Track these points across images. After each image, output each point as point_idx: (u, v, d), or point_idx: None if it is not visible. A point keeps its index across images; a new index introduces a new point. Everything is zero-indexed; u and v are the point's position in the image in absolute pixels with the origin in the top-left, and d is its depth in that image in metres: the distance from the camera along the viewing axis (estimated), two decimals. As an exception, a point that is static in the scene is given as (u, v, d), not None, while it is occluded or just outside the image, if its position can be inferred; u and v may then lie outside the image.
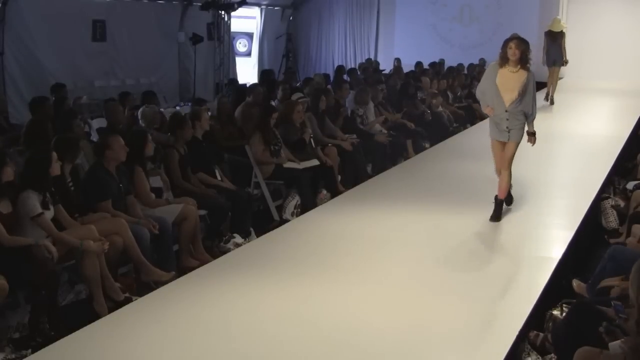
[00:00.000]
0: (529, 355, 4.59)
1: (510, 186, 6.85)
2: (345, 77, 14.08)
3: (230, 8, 15.55)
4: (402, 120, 11.30)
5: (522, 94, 6.44)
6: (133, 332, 4.49)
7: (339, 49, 19.96)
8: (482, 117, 10.89)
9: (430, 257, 5.83)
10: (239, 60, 17.74)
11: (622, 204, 7.63)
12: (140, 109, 8.18)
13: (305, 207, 7.79)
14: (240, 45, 19.03)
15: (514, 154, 6.62)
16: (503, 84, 6.47)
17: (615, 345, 3.81)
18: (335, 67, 16.62)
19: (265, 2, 18.19)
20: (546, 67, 14.11)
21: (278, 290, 5.10)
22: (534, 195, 7.54)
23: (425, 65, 15.64)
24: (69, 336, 4.40)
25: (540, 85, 14.69)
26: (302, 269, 5.53)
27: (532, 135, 6.63)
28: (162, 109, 9.57)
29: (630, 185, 7.94)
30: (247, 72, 17.99)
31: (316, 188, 8.43)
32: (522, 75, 6.43)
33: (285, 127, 8.54)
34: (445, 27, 19.07)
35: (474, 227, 6.60)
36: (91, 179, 6.07)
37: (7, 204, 5.18)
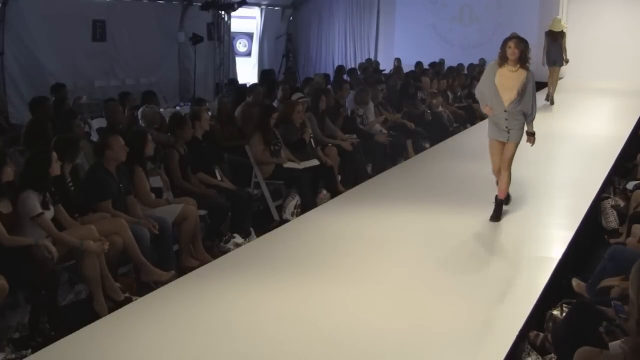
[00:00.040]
0: (529, 355, 4.59)
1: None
2: (345, 77, 14.09)
3: (230, 8, 15.55)
4: (402, 120, 11.30)
5: (521, 93, 6.41)
6: (133, 332, 4.49)
7: (339, 49, 19.97)
8: (482, 117, 10.88)
9: (430, 257, 5.83)
10: (239, 60, 17.74)
11: (622, 204, 7.63)
12: (140, 109, 8.18)
13: (305, 207, 7.79)
14: (240, 45, 19.03)
15: (514, 154, 6.60)
16: (502, 84, 6.44)
17: (615, 345, 3.81)
18: (335, 67, 16.63)
19: (265, 2, 18.19)
20: (546, 67, 14.10)
21: (278, 290, 5.10)
22: (534, 195, 7.54)
23: (425, 65, 15.65)
24: (69, 336, 4.40)
25: (540, 85, 14.73)
26: (302, 269, 5.53)
27: (531, 136, 6.59)
28: (161, 109, 9.58)
29: (630, 185, 7.94)
30: (247, 72, 17.99)
31: (316, 188, 8.43)
32: (521, 74, 6.40)
33: (285, 127, 8.54)
34: (445, 27, 19.07)
35: (474, 227, 6.60)
36: (91, 179, 6.07)
37: (7, 203, 5.18)
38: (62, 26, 12.27)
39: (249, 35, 18.83)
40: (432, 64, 15.92)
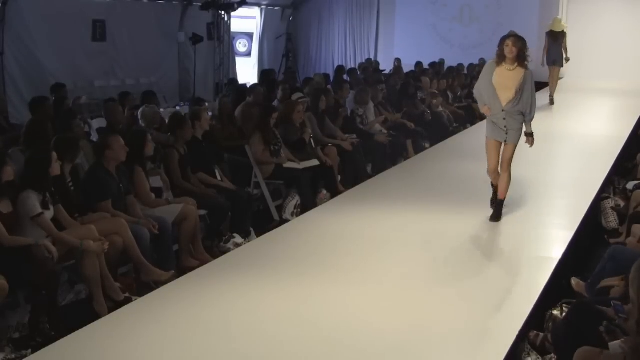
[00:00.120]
0: (529, 355, 4.59)
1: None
2: (345, 77, 14.09)
3: (230, 8, 15.54)
4: (402, 120, 11.30)
5: (520, 92, 6.35)
6: (133, 332, 4.49)
7: (339, 49, 19.96)
8: (482, 117, 10.85)
9: (430, 257, 5.83)
10: (239, 60, 17.74)
11: (622, 204, 7.63)
12: (140, 109, 8.19)
13: (305, 207, 7.79)
14: (240, 45, 19.03)
15: (512, 156, 6.55)
16: (500, 83, 6.39)
17: (615, 345, 3.81)
18: (335, 67, 16.62)
19: (265, 2, 18.19)
20: (545, 68, 14.11)
21: (278, 290, 5.10)
22: (534, 195, 7.54)
23: (425, 65, 15.64)
24: (69, 336, 4.39)
25: (541, 85, 14.75)
26: (302, 269, 5.53)
27: (530, 136, 6.53)
28: (161, 109, 9.58)
29: (630, 185, 7.94)
30: (247, 72, 17.99)
31: (316, 188, 8.43)
32: (519, 73, 6.35)
33: (285, 127, 8.54)
34: (445, 27, 19.06)
35: (474, 227, 6.59)
36: (91, 179, 6.07)
37: (8, 203, 5.18)
38: (62, 26, 12.27)
39: (249, 35, 18.83)
40: (432, 64, 15.92)
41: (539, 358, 4.58)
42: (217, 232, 6.93)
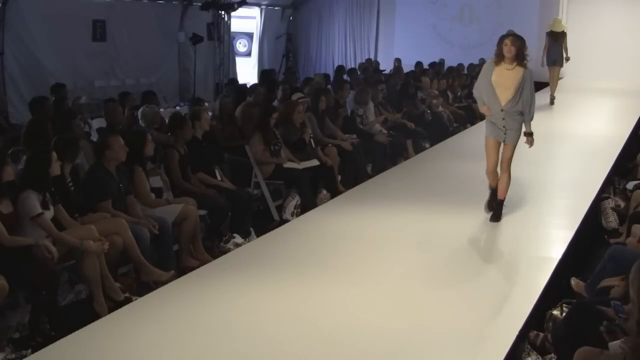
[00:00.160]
0: (529, 355, 4.59)
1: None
2: (345, 77, 14.08)
3: (230, 8, 15.55)
4: (402, 120, 11.30)
5: (519, 92, 6.32)
6: (133, 332, 4.49)
7: (339, 49, 19.96)
8: (482, 117, 10.82)
9: (430, 257, 5.83)
10: (239, 60, 17.74)
11: (622, 204, 7.63)
12: (140, 109, 8.18)
13: (305, 207, 7.79)
14: (240, 45, 19.03)
15: (512, 156, 6.53)
16: (499, 82, 6.36)
17: (615, 345, 3.81)
18: (335, 67, 16.62)
19: (265, 2, 18.19)
20: (545, 68, 14.12)
21: (278, 290, 5.10)
22: (534, 195, 7.54)
23: (425, 65, 15.64)
24: (69, 336, 4.40)
25: (541, 85, 14.76)
26: (302, 269, 5.53)
27: (529, 136, 6.50)
28: (161, 109, 9.58)
29: (630, 185, 7.94)
30: (247, 72, 17.99)
31: (316, 188, 8.43)
32: (518, 72, 6.32)
33: (285, 127, 8.54)
34: (445, 27, 19.07)
35: (474, 227, 6.59)
36: (91, 179, 6.07)
37: (8, 204, 5.18)
38: (62, 26, 12.26)
39: (249, 35, 18.83)
40: (432, 64, 15.92)
41: (539, 358, 4.58)
42: (217, 232, 6.93)
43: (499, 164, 6.63)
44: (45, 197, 5.34)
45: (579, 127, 12.17)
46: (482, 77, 6.56)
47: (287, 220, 7.52)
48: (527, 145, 6.58)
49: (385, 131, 10.61)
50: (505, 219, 6.74)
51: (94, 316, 5.00)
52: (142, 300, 5.05)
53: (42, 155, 5.43)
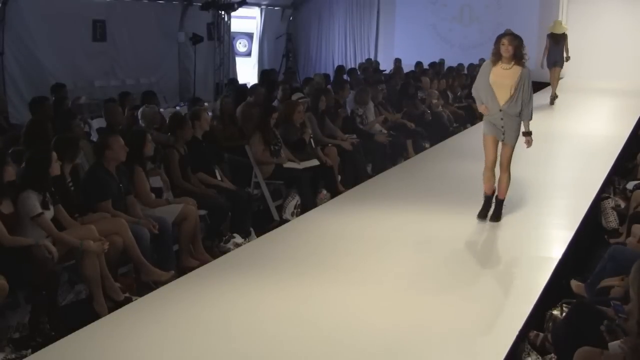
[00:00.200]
0: (529, 355, 4.59)
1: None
2: (345, 77, 14.08)
3: (230, 8, 15.54)
4: (402, 120, 11.31)
5: (517, 91, 6.29)
6: (133, 332, 4.49)
7: (339, 49, 19.96)
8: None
9: (430, 257, 5.83)
10: (239, 60, 17.74)
11: (622, 204, 7.63)
12: (140, 109, 8.18)
13: (305, 207, 7.79)
14: (240, 45, 19.03)
15: (511, 156, 6.52)
16: (497, 82, 6.33)
17: (615, 345, 3.81)
18: (335, 67, 16.62)
19: (265, 2, 18.19)
20: (544, 69, 14.14)
21: (278, 290, 5.10)
22: (534, 195, 7.54)
23: (425, 65, 15.64)
24: (69, 336, 4.40)
25: (542, 86, 14.77)
26: (302, 269, 5.53)
27: (528, 136, 6.47)
28: (161, 109, 9.57)
29: (630, 185, 7.94)
30: (247, 72, 17.99)
31: (316, 188, 8.43)
32: (516, 71, 6.28)
33: (285, 127, 8.54)
34: (445, 27, 19.07)
35: (474, 227, 6.59)
36: (91, 179, 6.07)
37: (9, 204, 5.18)
38: (62, 26, 12.26)
39: (249, 35, 18.83)
40: (432, 64, 15.91)
41: (539, 358, 4.58)
42: (217, 232, 6.93)
43: (497, 163, 6.61)
44: (45, 197, 5.34)
45: (579, 127, 12.17)
46: (480, 77, 6.54)
47: (287, 220, 7.52)
48: (526, 146, 6.55)
49: (385, 131, 10.61)
50: (505, 219, 6.74)
51: (94, 316, 5.00)
52: (142, 300, 5.05)
53: (42, 155, 5.43)
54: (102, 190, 5.98)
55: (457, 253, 5.99)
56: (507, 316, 4.75)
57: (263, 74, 14.31)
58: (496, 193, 6.72)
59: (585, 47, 16.97)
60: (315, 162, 8.46)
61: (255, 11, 18.22)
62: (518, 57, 6.28)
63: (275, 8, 18.96)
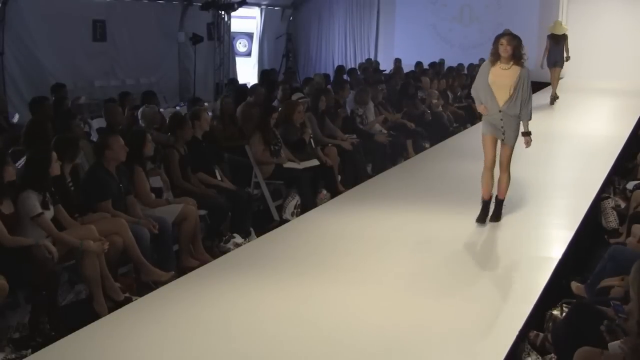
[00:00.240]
0: (529, 355, 4.59)
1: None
2: (345, 77, 14.08)
3: (230, 8, 15.54)
4: (402, 120, 11.31)
5: (516, 91, 6.26)
6: (133, 332, 4.49)
7: (339, 49, 19.96)
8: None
9: (430, 257, 5.83)
10: (239, 60, 17.74)
11: (622, 204, 7.63)
12: (140, 109, 8.18)
13: (305, 207, 7.79)
14: (240, 45, 19.03)
15: (510, 157, 6.50)
16: (496, 83, 6.30)
17: (614, 345, 3.81)
18: (335, 67, 16.62)
19: (265, 2, 18.19)
20: (543, 70, 14.14)
21: (278, 290, 5.10)
22: (534, 195, 7.54)
23: (425, 65, 15.64)
24: (69, 336, 4.40)
25: (542, 86, 14.76)
26: (302, 269, 5.53)
27: (527, 136, 6.44)
28: (161, 109, 9.57)
29: (630, 185, 7.94)
30: (247, 72, 17.99)
31: (316, 188, 8.43)
32: (515, 71, 6.25)
33: (285, 127, 8.54)
34: (445, 27, 19.07)
35: (474, 227, 6.59)
36: (91, 179, 6.07)
37: (9, 204, 5.18)
38: (62, 26, 12.27)
39: (249, 35, 18.83)
40: (432, 64, 15.91)
41: (539, 358, 4.58)
42: (217, 232, 6.93)
43: (497, 164, 6.61)
44: (45, 197, 5.34)
45: (579, 127, 12.17)
46: (479, 78, 6.51)
47: (287, 220, 7.52)
48: (525, 146, 6.53)
49: (385, 131, 10.61)
50: (505, 219, 6.74)
51: (94, 316, 5.00)
52: (142, 300, 5.05)
53: (42, 155, 5.43)
54: (102, 190, 5.98)
55: (457, 253, 5.99)
56: (507, 316, 4.75)
57: (263, 74, 14.31)
58: (496, 193, 6.71)
59: (585, 47, 16.97)
60: (315, 162, 8.46)
61: (255, 11, 18.22)
62: (517, 57, 6.26)
63: (275, 8, 18.96)
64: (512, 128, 6.42)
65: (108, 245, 5.40)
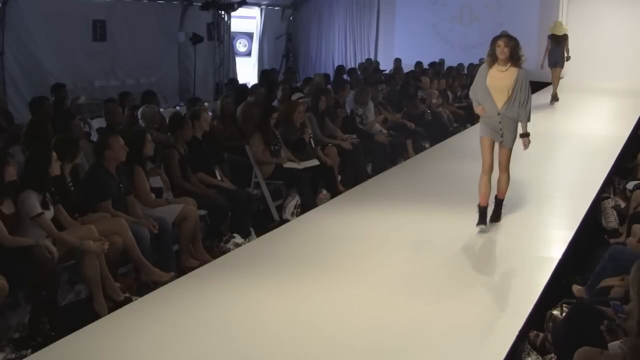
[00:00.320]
0: (529, 355, 4.59)
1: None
2: (345, 77, 14.08)
3: (230, 8, 15.55)
4: (402, 120, 11.31)
5: (514, 93, 6.20)
6: (133, 332, 4.49)
7: (339, 49, 19.96)
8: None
9: (430, 257, 5.83)
10: (239, 60, 17.74)
11: (622, 204, 7.63)
12: (140, 109, 8.18)
13: (305, 207, 7.79)
14: (240, 45, 19.03)
15: (509, 158, 6.45)
16: (493, 85, 6.25)
17: (614, 345, 3.81)
18: (335, 67, 16.63)
19: (265, 2, 18.19)
20: (543, 70, 14.14)
21: (278, 290, 5.10)
22: (534, 195, 7.54)
23: (425, 65, 15.64)
24: (69, 336, 4.40)
25: (542, 86, 14.75)
26: (302, 269, 5.53)
27: (525, 137, 6.38)
28: (161, 109, 9.57)
29: (630, 185, 7.94)
30: (247, 72, 17.99)
31: (316, 188, 8.43)
32: (512, 73, 6.20)
33: (285, 127, 8.54)
34: (445, 27, 19.06)
35: (474, 227, 6.57)
36: (91, 179, 6.07)
37: (10, 204, 5.18)
38: (62, 26, 12.27)
39: (249, 35, 18.83)
40: (432, 64, 15.91)
41: (539, 358, 4.58)
42: (217, 232, 6.93)
43: (495, 166, 6.58)
44: (45, 197, 5.34)
45: (579, 127, 12.17)
46: (477, 80, 6.46)
47: (287, 220, 7.52)
48: (523, 148, 6.45)
49: (385, 131, 10.61)
50: (505, 219, 6.74)
51: (94, 316, 5.00)
52: (142, 300, 5.05)
53: (42, 155, 5.43)
54: (102, 190, 5.98)
55: (457, 253, 5.99)
56: (507, 316, 4.75)
57: (263, 74, 14.31)
58: (496, 193, 6.71)
59: (586, 47, 16.95)
60: (315, 162, 8.46)
61: (255, 11, 18.22)
62: (514, 58, 6.20)
63: (275, 8, 18.96)
64: (511, 130, 6.37)
65: (108, 245, 5.40)
